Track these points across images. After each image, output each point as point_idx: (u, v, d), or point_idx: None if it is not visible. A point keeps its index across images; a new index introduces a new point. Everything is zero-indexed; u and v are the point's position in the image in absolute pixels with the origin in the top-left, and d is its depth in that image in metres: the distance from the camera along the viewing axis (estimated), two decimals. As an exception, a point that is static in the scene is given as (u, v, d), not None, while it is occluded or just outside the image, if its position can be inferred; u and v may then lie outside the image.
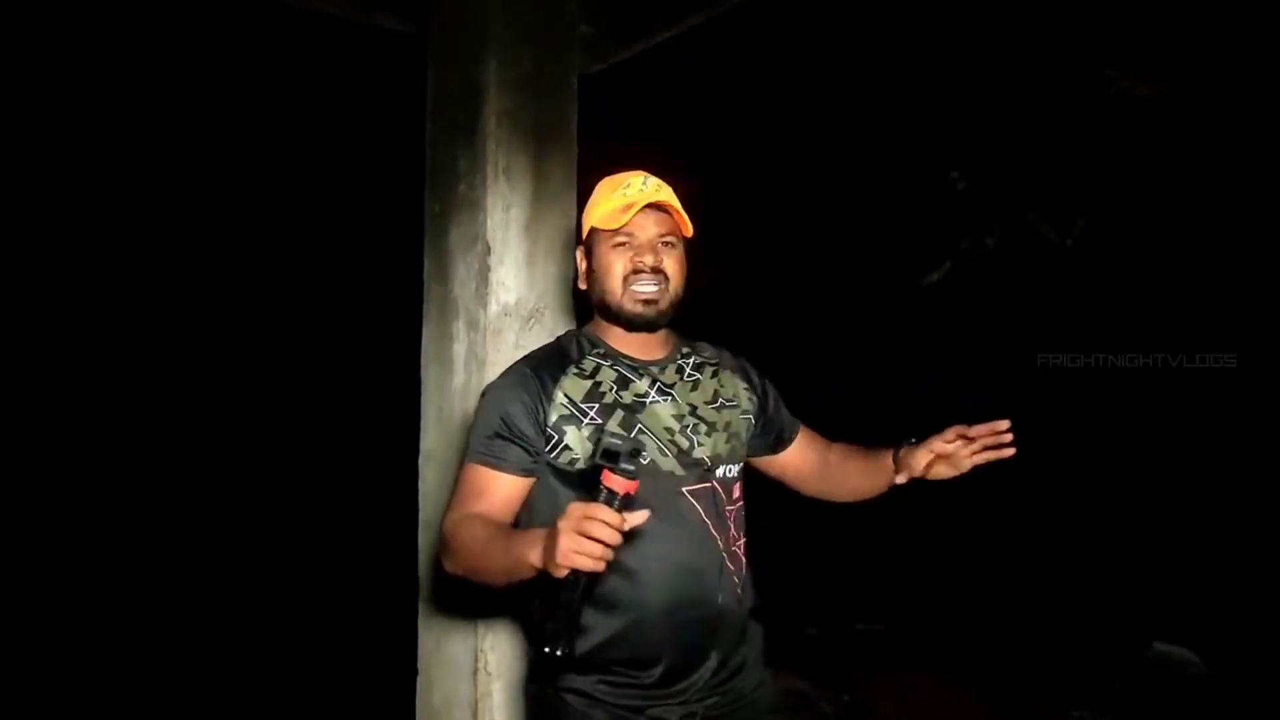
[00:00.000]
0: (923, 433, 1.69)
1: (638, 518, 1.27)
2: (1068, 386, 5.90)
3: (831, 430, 1.89)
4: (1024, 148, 5.96)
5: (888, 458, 1.72)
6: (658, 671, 1.55)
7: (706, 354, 1.78)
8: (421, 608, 2.37)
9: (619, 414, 1.59)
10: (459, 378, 2.28)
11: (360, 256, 6.98)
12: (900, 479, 1.69)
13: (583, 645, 1.53)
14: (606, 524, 1.23)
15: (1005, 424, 1.62)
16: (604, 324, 1.70)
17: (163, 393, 7.31)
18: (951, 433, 1.65)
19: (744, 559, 1.66)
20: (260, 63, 4.85)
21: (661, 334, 1.70)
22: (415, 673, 2.39)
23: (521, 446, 1.57)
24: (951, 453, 1.64)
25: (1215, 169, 5.28)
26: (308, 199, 6.77)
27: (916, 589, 5.52)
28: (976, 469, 1.66)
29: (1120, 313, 5.80)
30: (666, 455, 1.59)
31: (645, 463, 1.50)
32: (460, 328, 2.29)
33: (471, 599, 2.21)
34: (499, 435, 1.58)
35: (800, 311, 6.62)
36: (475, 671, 2.20)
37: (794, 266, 6.72)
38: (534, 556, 1.32)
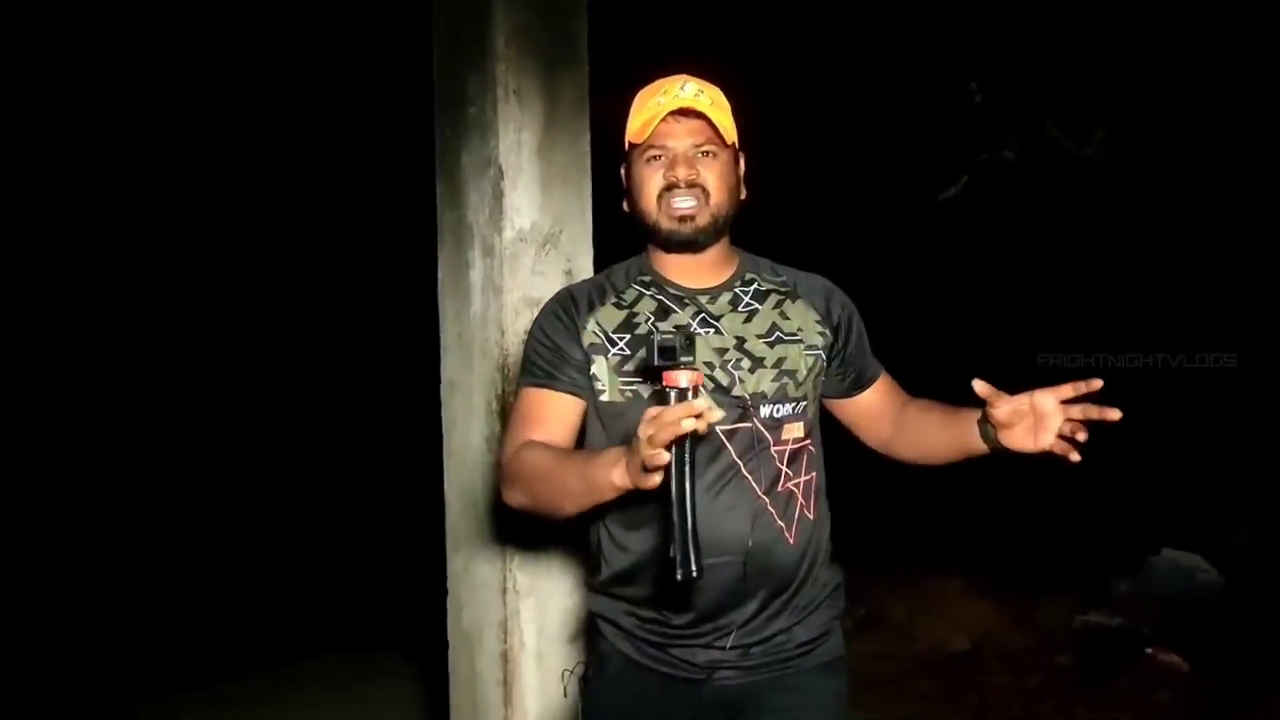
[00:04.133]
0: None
1: (716, 413, 1.14)
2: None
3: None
4: (1042, 57, 5.81)
5: (973, 416, 1.49)
6: (686, 615, 1.47)
7: (776, 279, 1.60)
8: (449, 531, 2.40)
9: None
10: (476, 305, 2.28)
11: (374, 183, 6.93)
12: (985, 437, 1.48)
13: (610, 579, 1.52)
14: (687, 415, 1.10)
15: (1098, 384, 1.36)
16: (653, 249, 1.58)
17: (184, 332, 7.37)
18: (1068, 388, 1.37)
19: (803, 500, 1.51)
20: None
21: (716, 255, 1.55)
22: (445, 595, 2.44)
23: (571, 365, 1.50)
24: (1046, 413, 1.38)
25: (1239, 75, 5.14)
26: (317, 126, 6.70)
27: (927, 507, 5.57)
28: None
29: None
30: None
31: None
32: (476, 254, 2.28)
33: (498, 520, 2.24)
34: (546, 357, 1.51)
35: (816, 229, 6.55)
36: (504, 591, 2.23)
37: (809, 183, 6.64)
38: (616, 476, 1.22)
